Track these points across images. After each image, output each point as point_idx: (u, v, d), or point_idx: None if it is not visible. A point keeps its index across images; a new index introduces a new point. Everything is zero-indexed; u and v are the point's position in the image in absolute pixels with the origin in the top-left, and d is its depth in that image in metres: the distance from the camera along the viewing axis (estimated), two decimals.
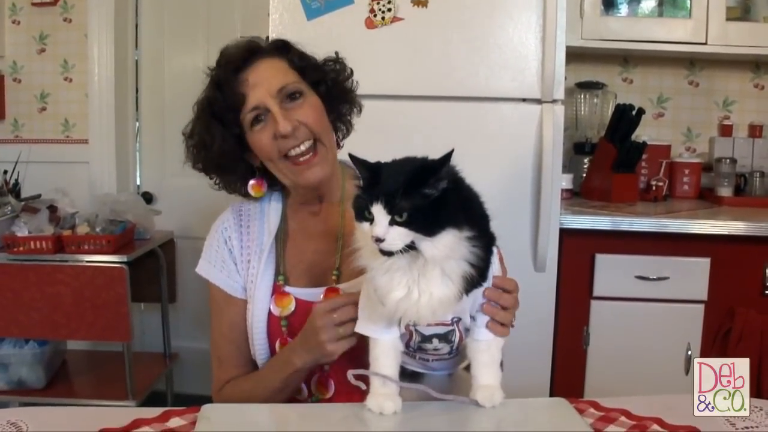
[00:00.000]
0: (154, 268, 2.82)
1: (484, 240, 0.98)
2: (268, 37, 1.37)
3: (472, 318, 1.07)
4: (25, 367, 2.49)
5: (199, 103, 1.30)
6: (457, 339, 1.08)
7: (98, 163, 3.17)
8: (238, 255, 1.35)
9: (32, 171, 3.02)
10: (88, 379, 2.76)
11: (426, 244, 0.92)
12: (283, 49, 1.31)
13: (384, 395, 1.05)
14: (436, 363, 1.14)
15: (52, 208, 2.68)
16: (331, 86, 1.33)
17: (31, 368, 2.50)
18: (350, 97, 1.37)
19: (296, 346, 1.21)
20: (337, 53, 1.37)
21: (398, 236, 0.91)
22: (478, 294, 1.04)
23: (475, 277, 0.97)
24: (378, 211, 0.91)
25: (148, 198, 3.23)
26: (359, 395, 1.13)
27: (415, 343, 1.09)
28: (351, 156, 1.02)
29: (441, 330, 1.06)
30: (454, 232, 0.92)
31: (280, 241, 1.35)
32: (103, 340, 2.55)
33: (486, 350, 1.08)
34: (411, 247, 0.92)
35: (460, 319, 1.06)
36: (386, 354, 1.06)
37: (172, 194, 3.26)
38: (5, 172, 2.92)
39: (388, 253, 0.93)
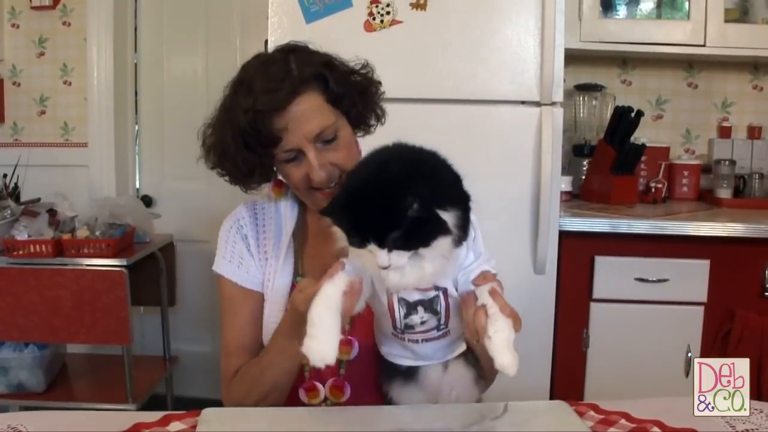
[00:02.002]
0: (154, 271, 2.82)
1: (462, 201, 1.02)
2: (290, 48, 1.30)
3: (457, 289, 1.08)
4: (25, 371, 2.49)
5: (232, 127, 1.24)
6: (443, 309, 1.08)
7: (98, 167, 3.17)
8: (255, 252, 1.35)
9: (32, 175, 3.02)
10: (88, 382, 2.76)
11: (425, 252, 0.97)
12: (320, 77, 1.25)
13: (324, 339, 0.99)
14: (427, 346, 1.12)
15: (52, 212, 2.67)
16: (362, 110, 1.31)
17: (31, 372, 2.49)
18: (378, 111, 1.37)
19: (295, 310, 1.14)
20: (367, 62, 1.34)
21: (399, 258, 0.96)
22: (460, 256, 1.06)
23: (461, 236, 1.00)
24: (373, 248, 0.97)
25: (147, 201, 3.23)
26: (374, 399, 1.12)
27: (401, 322, 1.08)
28: (320, 212, 1.04)
29: (425, 296, 1.07)
30: (445, 239, 0.97)
31: (298, 242, 1.35)
32: (102, 343, 2.55)
33: (484, 287, 1.04)
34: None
35: (446, 290, 1.07)
36: (338, 292, 1.03)
37: (171, 197, 3.26)
38: (5, 175, 2.92)
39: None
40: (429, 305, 1.07)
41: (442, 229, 0.97)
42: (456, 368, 1.16)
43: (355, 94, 1.29)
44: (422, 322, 1.08)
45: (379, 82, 1.35)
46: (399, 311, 1.07)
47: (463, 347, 1.16)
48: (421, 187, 0.96)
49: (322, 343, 0.98)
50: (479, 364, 1.18)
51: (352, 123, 1.30)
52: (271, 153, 1.24)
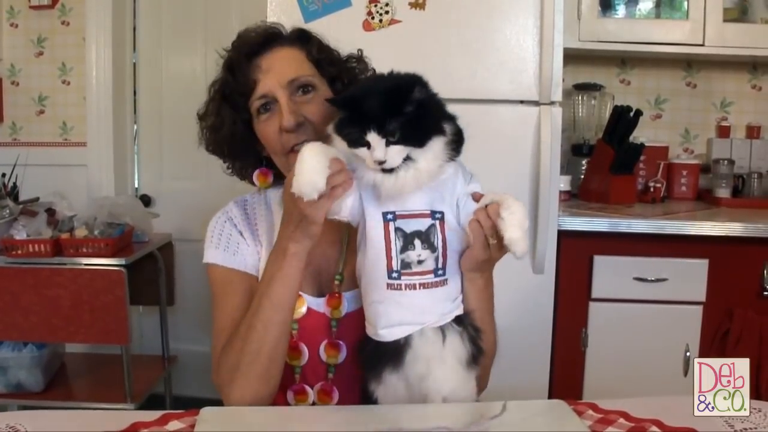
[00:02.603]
0: (153, 270, 2.82)
1: (455, 123, 1.10)
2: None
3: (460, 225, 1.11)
4: (24, 370, 2.49)
5: (213, 84, 1.29)
6: (440, 243, 1.08)
7: (96, 166, 3.17)
8: (251, 242, 1.32)
9: (30, 174, 3.01)
10: (86, 382, 2.76)
11: (419, 154, 1.03)
12: (303, 38, 1.28)
13: (311, 172, 1.02)
14: (425, 296, 1.09)
15: (51, 211, 2.67)
16: (347, 84, 1.30)
17: (29, 371, 2.49)
18: None
19: (282, 236, 1.15)
20: (360, 51, 1.35)
21: (396, 154, 1.02)
22: (458, 185, 1.12)
23: (456, 141, 1.07)
24: (373, 137, 1.01)
25: (146, 201, 3.23)
26: (362, 404, 1.11)
27: (397, 259, 1.08)
28: (327, 100, 1.14)
29: (422, 226, 1.08)
30: (440, 138, 1.05)
31: None
32: (101, 343, 2.55)
33: (489, 193, 1.11)
34: (406, 158, 1.03)
35: (443, 215, 1.08)
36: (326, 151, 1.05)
37: (170, 197, 3.26)
38: (3, 175, 2.92)
39: (390, 170, 1.03)
40: (426, 238, 1.08)
41: (438, 128, 1.04)
42: (452, 342, 1.12)
43: (343, 69, 1.30)
44: (419, 261, 1.08)
45: (374, 69, 1.35)
46: (396, 245, 1.07)
47: (460, 309, 1.14)
48: (424, 87, 1.06)
49: (310, 174, 1.01)
50: (478, 339, 1.15)
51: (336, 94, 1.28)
52: (248, 105, 1.24)
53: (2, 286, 2.36)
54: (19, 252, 2.49)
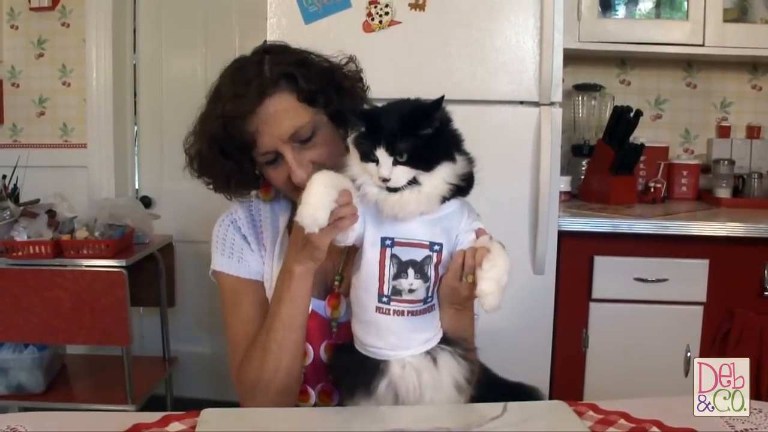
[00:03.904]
0: (153, 272, 2.82)
1: (470, 159, 1.10)
2: (267, 44, 1.33)
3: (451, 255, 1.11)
4: (25, 372, 2.49)
5: (206, 135, 1.25)
6: (432, 275, 1.09)
7: (97, 168, 3.18)
8: (255, 246, 1.33)
9: (31, 176, 3.01)
10: (87, 383, 2.76)
11: (425, 179, 1.03)
12: (288, 77, 1.22)
13: (316, 204, 1.04)
14: (412, 322, 1.11)
15: (51, 213, 2.67)
16: (341, 107, 1.26)
17: (30, 373, 2.49)
18: (362, 103, 1.32)
19: (289, 257, 1.19)
20: (351, 57, 1.32)
21: (401, 174, 1.02)
22: (462, 221, 1.11)
23: (461, 187, 1.07)
24: (381, 153, 1.02)
25: (146, 202, 3.23)
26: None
27: (389, 284, 1.08)
28: (347, 110, 1.13)
29: (418, 256, 1.08)
30: (449, 165, 1.05)
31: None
32: (102, 344, 2.55)
33: (486, 235, 1.10)
34: (412, 182, 1.03)
35: (441, 248, 1.08)
36: (336, 183, 1.07)
37: (170, 198, 3.26)
38: (4, 176, 2.92)
39: (394, 190, 1.03)
40: (420, 268, 1.08)
41: (449, 155, 1.04)
42: (446, 364, 1.13)
43: (332, 90, 1.24)
44: (410, 290, 1.09)
45: (361, 77, 1.32)
46: (389, 270, 1.08)
47: (440, 334, 1.15)
48: (443, 112, 1.06)
49: (314, 207, 1.02)
50: (470, 355, 1.16)
51: (333, 120, 1.25)
52: (250, 157, 1.23)
53: (3, 287, 2.36)
54: (20, 254, 2.49)
